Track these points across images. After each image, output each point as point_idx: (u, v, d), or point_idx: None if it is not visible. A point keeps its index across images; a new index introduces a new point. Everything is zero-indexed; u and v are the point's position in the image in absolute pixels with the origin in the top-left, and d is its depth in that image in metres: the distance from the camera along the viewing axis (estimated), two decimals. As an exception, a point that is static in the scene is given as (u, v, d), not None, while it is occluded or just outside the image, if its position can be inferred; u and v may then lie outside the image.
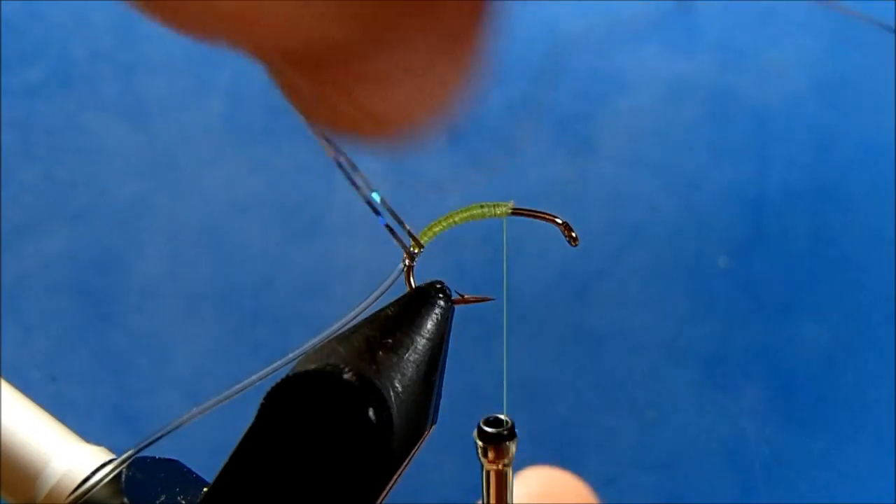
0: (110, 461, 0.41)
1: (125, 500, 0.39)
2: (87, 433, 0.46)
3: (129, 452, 0.39)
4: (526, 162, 1.45)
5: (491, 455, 0.43)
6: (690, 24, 1.42)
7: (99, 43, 1.42)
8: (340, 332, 0.37)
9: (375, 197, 0.35)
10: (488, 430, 0.43)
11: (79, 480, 0.39)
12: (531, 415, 1.39)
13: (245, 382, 0.38)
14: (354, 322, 0.38)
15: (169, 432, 0.37)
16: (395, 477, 0.35)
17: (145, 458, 0.40)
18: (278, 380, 0.34)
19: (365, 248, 1.42)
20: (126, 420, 1.36)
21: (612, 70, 1.46)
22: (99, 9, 1.42)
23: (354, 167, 0.33)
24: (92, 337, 1.38)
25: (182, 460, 0.43)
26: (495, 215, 0.36)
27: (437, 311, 0.37)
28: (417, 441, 0.36)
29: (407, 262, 0.38)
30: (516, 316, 1.49)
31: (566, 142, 1.45)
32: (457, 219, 0.37)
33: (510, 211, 0.36)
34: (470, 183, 1.44)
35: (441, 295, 0.38)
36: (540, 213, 0.36)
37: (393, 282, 0.39)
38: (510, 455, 0.42)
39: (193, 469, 0.43)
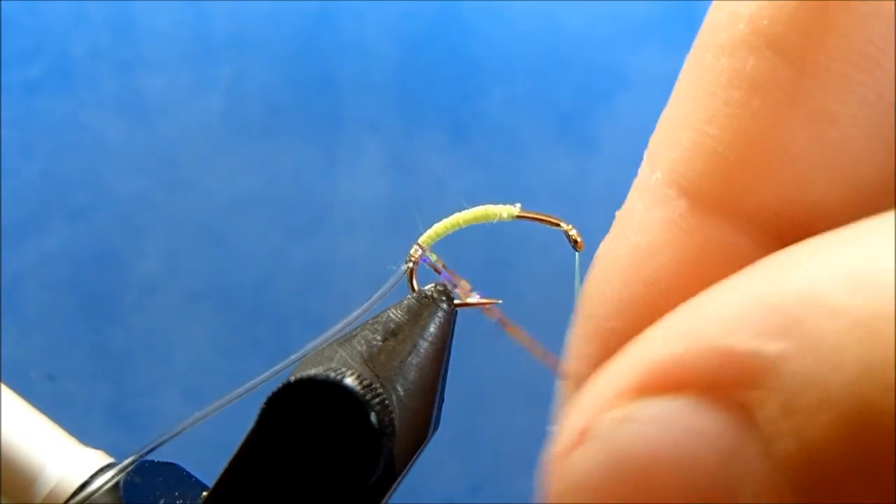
0: (108, 465, 0.40)
1: (123, 504, 0.39)
2: (86, 432, 0.46)
3: (129, 460, 0.38)
4: (527, 159, 1.44)
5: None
6: (692, 20, 1.41)
7: (98, 40, 1.42)
8: (342, 334, 0.37)
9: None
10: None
11: (76, 485, 0.39)
12: (531, 414, 1.39)
13: (246, 386, 0.38)
14: (356, 324, 0.37)
15: (169, 439, 0.37)
16: (397, 482, 0.35)
17: (144, 461, 0.40)
18: (279, 384, 0.33)
19: (365, 246, 1.41)
20: (125, 418, 1.35)
21: (613, 67, 1.46)
22: (98, 6, 1.41)
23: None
24: (90, 335, 1.37)
25: (181, 463, 0.43)
26: (500, 218, 0.36)
27: (440, 313, 0.37)
28: (419, 447, 0.36)
29: (410, 264, 0.38)
30: (517, 315, 1.49)
31: (568, 139, 1.45)
32: (461, 221, 0.36)
33: (515, 214, 0.35)
34: (472, 180, 1.43)
35: (444, 297, 0.37)
36: (545, 217, 0.36)
37: (395, 284, 0.39)
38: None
39: (192, 472, 0.43)
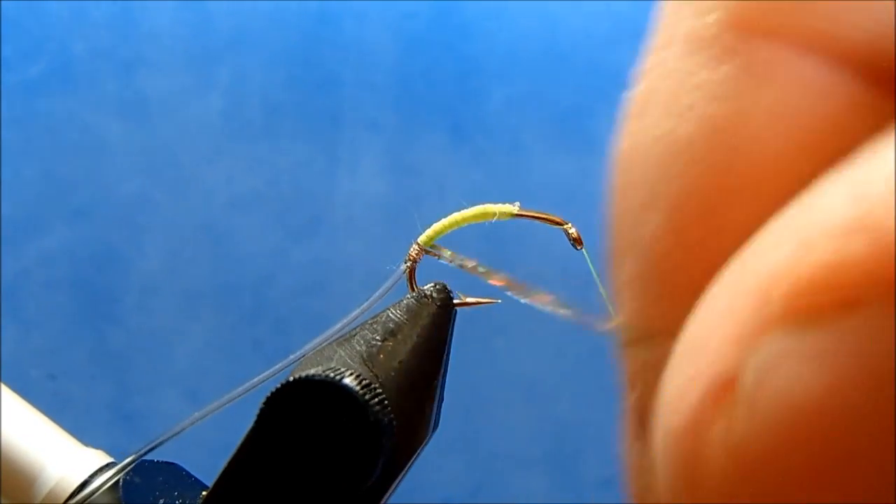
0: (108, 465, 0.40)
1: (123, 504, 0.39)
2: (86, 431, 0.46)
3: (129, 459, 0.38)
4: (527, 159, 1.44)
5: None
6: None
7: (99, 40, 1.42)
8: (341, 334, 0.37)
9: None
10: None
11: (76, 484, 0.39)
12: (531, 415, 1.39)
13: (246, 385, 0.38)
14: (356, 324, 0.37)
15: (168, 439, 0.37)
16: (396, 482, 0.35)
17: (144, 461, 0.40)
18: (278, 384, 0.33)
19: (364, 246, 1.41)
20: (125, 418, 1.36)
21: (613, 67, 1.46)
22: (98, 6, 1.41)
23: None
24: (91, 334, 1.37)
25: (180, 463, 0.43)
26: (499, 217, 0.36)
27: (440, 313, 0.37)
28: (419, 446, 0.36)
29: (409, 263, 0.38)
30: (517, 315, 1.49)
31: (568, 139, 1.45)
32: (460, 220, 0.36)
33: (514, 213, 0.35)
34: (472, 180, 1.43)
35: (443, 297, 0.37)
36: (544, 215, 0.36)
37: (395, 283, 0.39)
38: None
39: (192, 472, 0.43)
